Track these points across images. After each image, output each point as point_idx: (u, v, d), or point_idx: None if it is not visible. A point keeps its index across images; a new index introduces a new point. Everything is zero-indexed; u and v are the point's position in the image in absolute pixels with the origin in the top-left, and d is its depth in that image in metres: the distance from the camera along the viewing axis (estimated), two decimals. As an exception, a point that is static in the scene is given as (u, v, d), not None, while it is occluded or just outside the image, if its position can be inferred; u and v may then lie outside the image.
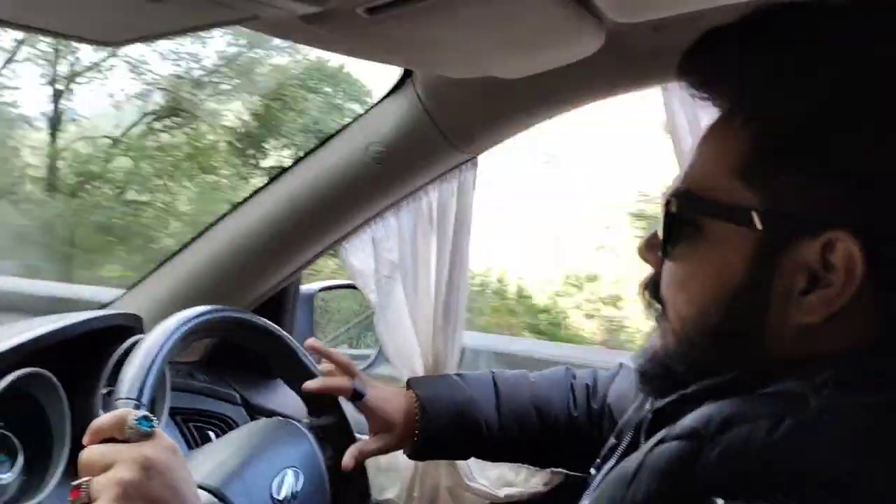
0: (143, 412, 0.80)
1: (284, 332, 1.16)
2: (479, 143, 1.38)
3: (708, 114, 0.75)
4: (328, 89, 9.73)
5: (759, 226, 0.64)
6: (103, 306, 1.54)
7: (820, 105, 0.63)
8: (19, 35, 8.20)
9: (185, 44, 9.27)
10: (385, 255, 1.48)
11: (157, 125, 9.69)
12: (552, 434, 1.21)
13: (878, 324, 0.63)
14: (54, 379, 1.09)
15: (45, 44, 8.77)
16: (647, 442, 0.65)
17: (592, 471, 0.90)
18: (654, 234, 0.75)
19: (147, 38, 0.66)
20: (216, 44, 9.40)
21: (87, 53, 9.38)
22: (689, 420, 0.61)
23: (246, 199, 1.47)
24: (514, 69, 1.14)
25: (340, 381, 1.19)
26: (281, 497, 1.06)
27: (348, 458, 1.17)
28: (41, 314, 1.18)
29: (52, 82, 9.48)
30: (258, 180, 9.00)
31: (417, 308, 1.49)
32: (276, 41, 8.41)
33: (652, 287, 0.77)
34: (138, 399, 0.83)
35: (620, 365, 1.24)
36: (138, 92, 9.66)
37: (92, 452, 0.79)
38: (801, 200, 0.63)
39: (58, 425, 1.12)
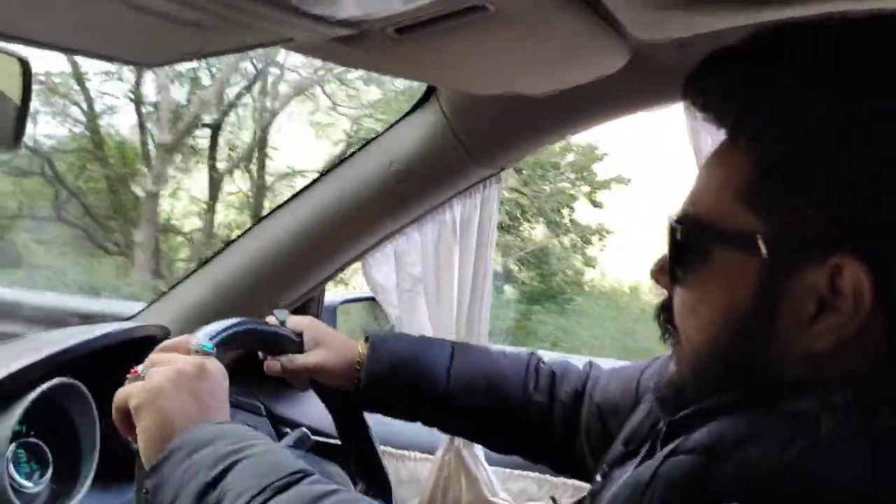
0: (203, 338, 0.92)
1: (261, 322, 1.14)
2: (503, 158, 1.39)
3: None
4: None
5: (764, 252, 0.64)
6: (130, 317, 1.56)
7: (822, 128, 0.63)
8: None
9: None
10: (407, 268, 1.50)
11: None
12: (504, 412, 1.17)
13: (890, 346, 0.63)
14: (84, 389, 1.11)
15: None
16: (661, 451, 0.65)
17: (598, 478, 0.90)
18: (665, 259, 0.75)
19: (182, 59, 0.68)
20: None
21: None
22: (702, 435, 0.62)
23: (271, 213, 1.49)
24: (538, 86, 1.15)
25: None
26: None
27: (272, 363, 1.15)
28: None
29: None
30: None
31: (440, 322, 1.50)
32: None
33: (665, 312, 0.77)
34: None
35: (590, 364, 1.21)
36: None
37: (160, 354, 0.90)
38: (806, 225, 0.63)
39: (87, 434, 1.14)
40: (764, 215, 0.64)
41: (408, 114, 1.37)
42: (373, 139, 1.42)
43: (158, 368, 0.85)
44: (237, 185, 10.07)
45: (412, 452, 1.61)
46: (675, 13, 0.91)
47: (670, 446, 0.63)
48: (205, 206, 9.87)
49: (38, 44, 0.58)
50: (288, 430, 1.45)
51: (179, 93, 9.47)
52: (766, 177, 0.65)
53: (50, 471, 1.10)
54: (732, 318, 0.67)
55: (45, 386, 1.04)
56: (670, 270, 0.72)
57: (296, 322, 1.19)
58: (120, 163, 9.64)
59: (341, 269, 1.53)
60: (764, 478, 0.57)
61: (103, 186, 9.67)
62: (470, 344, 1.28)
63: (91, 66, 8.95)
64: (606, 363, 1.22)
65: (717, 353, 0.69)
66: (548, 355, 1.26)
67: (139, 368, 0.87)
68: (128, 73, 8.92)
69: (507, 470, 1.57)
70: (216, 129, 9.60)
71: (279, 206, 1.49)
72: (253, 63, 9.09)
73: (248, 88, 9.69)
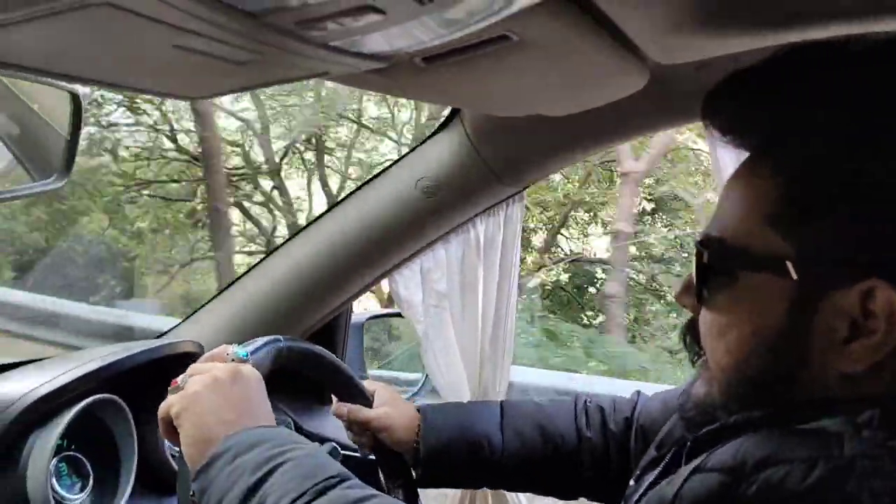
0: (240, 347, 0.98)
1: (348, 368, 1.22)
2: (525, 177, 1.42)
3: (744, 154, 0.75)
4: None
5: (794, 275, 0.64)
6: (163, 334, 1.60)
7: (849, 151, 0.63)
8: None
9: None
10: (433, 285, 1.52)
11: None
12: (561, 455, 1.19)
13: None
14: (123, 404, 1.15)
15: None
16: (686, 465, 0.65)
17: (632, 482, 0.90)
18: (690, 280, 0.76)
19: (227, 92, 0.72)
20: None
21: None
22: (726, 454, 0.62)
23: (300, 231, 1.53)
24: (560, 108, 1.18)
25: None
26: None
27: (340, 406, 1.22)
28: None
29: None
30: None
31: (465, 338, 1.53)
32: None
33: (691, 332, 0.77)
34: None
35: (637, 393, 1.24)
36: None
37: (199, 364, 0.96)
38: (836, 249, 0.63)
39: (125, 448, 1.17)
40: (793, 239, 0.65)
41: (433, 135, 1.40)
42: (399, 159, 1.45)
43: (196, 377, 0.90)
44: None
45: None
46: (692, 38, 0.94)
47: (694, 462, 0.63)
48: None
49: (90, 81, 0.62)
50: (318, 444, 1.47)
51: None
52: (794, 200, 0.65)
53: (90, 483, 1.14)
54: (762, 341, 0.68)
55: (85, 402, 1.08)
56: (697, 292, 0.73)
57: (371, 384, 1.27)
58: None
59: (369, 285, 1.57)
60: (786, 500, 0.57)
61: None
62: (516, 399, 1.30)
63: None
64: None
65: (748, 376, 0.69)
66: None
67: (179, 379, 0.92)
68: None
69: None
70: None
71: (308, 224, 1.52)
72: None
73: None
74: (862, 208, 0.63)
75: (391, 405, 1.23)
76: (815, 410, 0.63)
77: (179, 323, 1.62)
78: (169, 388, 0.92)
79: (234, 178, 8.85)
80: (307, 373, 1.18)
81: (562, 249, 9.42)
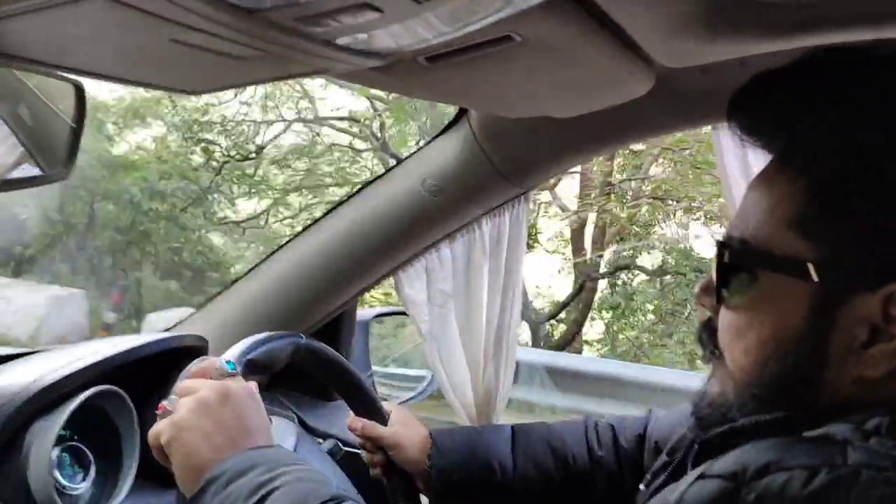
0: (228, 358, 0.95)
1: (367, 384, 1.23)
2: (532, 177, 1.42)
3: (757, 156, 0.76)
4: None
5: (815, 278, 0.64)
6: (170, 328, 1.61)
7: (874, 156, 0.63)
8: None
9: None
10: (438, 284, 1.53)
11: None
12: (573, 476, 1.19)
13: None
14: (125, 396, 1.16)
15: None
16: (692, 470, 0.64)
17: (642, 487, 0.90)
18: (710, 280, 0.75)
19: (226, 87, 0.73)
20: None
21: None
22: (730, 461, 0.61)
23: (306, 228, 1.54)
24: (566, 110, 1.18)
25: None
26: None
27: (355, 420, 1.22)
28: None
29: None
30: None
31: (469, 338, 1.53)
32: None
33: (708, 332, 0.77)
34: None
35: (650, 411, 1.24)
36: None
37: (186, 383, 0.92)
38: (859, 253, 0.63)
39: (128, 439, 1.18)
40: (816, 243, 0.65)
41: (439, 134, 1.41)
42: (405, 158, 1.45)
43: (183, 400, 0.88)
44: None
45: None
46: (697, 41, 0.94)
47: (700, 468, 0.63)
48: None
49: (89, 74, 0.63)
50: (320, 440, 1.48)
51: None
52: (818, 204, 0.65)
53: (92, 473, 1.15)
54: (781, 343, 0.67)
55: (87, 393, 1.08)
56: (717, 292, 0.73)
57: (388, 405, 1.28)
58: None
59: (374, 284, 1.57)
60: None
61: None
62: (526, 423, 1.30)
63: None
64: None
65: (765, 377, 0.69)
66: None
67: (166, 403, 0.90)
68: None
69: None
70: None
71: (316, 221, 1.53)
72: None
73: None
74: (886, 213, 0.63)
75: (404, 425, 1.24)
76: (827, 415, 0.63)
77: (186, 318, 1.63)
78: (157, 413, 0.90)
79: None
80: (324, 379, 1.19)
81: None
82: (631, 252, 8.99)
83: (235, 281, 1.59)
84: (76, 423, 1.11)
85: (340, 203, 1.51)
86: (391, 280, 1.55)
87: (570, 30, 0.84)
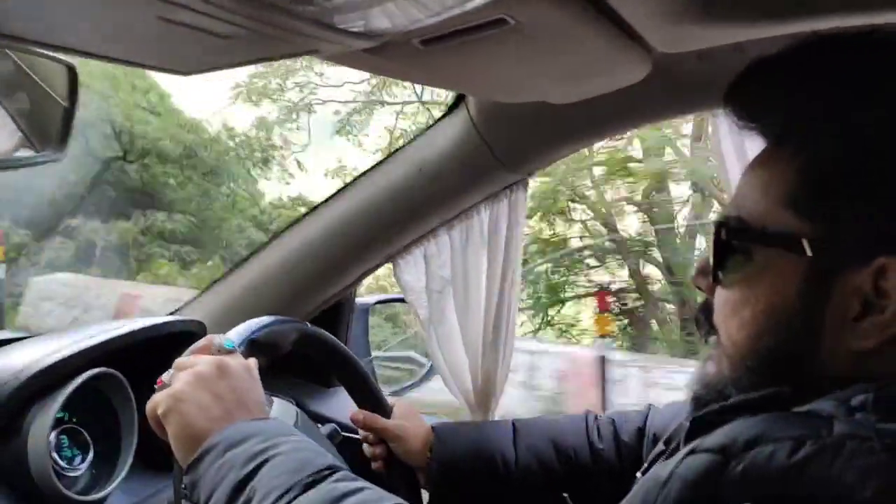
0: (227, 336, 0.96)
1: (371, 377, 1.24)
2: (530, 164, 1.42)
3: (753, 141, 0.77)
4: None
5: (809, 253, 0.66)
6: (172, 313, 1.62)
7: (868, 136, 0.65)
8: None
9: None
10: (437, 271, 1.53)
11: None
12: (575, 469, 1.20)
13: None
14: (123, 379, 1.17)
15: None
16: (683, 447, 0.65)
17: (638, 475, 0.90)
18: (706, 261, 0.77)
19: (217, 68, 0.73)
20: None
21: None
22: (719, 435, 0.62)
23: (305, 215, 1.54)
24: (564, 95, 1.18)
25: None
26: None
27: (357, 413, 1.23)
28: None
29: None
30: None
31: (468, 324, 1.53)
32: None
33: (705, 313, 0.78)
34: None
35: (650, 406, 1.24)
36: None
37: (183, 358, 0.94)
38: (851, 229, 0.65)
39: (126, 422, 1.19)
40: (810, 220, 0.67)
41: (438, 120, 1.41)
42: (404, 145, 1.46)
43: (181, 374, 0.89)
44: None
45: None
46: (693, 26, 0.94)
47: (690, 445, 0.64)
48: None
49: (78, 52, 0.63)
50: (319, 425, 1.48)
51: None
52: (811, 183, 0.67)
53: (91, 456, 1.16)
54: (776, 317, 0.69)
55: (85, 375, 1.09)
56: (714, 272, 0.74)
57: (392, 399, 1.29)
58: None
59: (372, 270, 1.57)
60: (772, 479, 0.57)
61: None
62: (527, 417, 1.31)
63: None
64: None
65: (761, 351, 0.70)
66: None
67: (164, 377, 0.92)
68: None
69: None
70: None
71: (314, 208, 1.53)
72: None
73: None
74: (878, 190, 0.64)
75: (407, 419, 1.25)
76: (817, 390, 0.64)
77: (189, 301, 1.64)
78: (155, 387, 0.91)
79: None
80: (327, 368, 1.19)
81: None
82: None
83: (235, 267, 1.59)
84: (75, 406, 1.12)
85: (340, 189, 1.51)
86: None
87: (565, 13, 0.84)
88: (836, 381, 0.65)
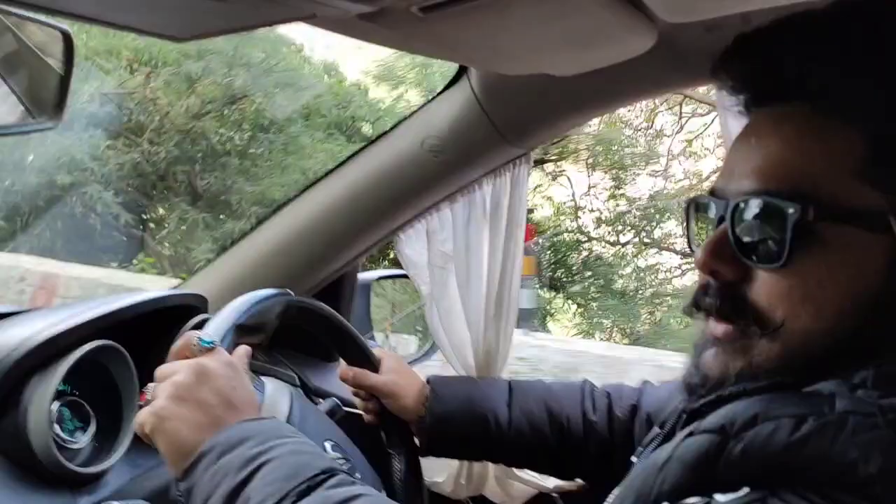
0: (205, 332, 0.92)
1: (357, 333, 1.24)
2: (533, 138, 1.41)
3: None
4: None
5: (895, 228, 0.62)
6: (175, 287, 1.62)
7: None
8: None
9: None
10: (439, 246, 1.52)
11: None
12: (566, 437, 1.20)
13: None
14: (124, 351, 1.16)
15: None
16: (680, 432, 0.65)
17: (634, 458, 0.90)
18: (723, 242, 0.70)
19: (211, 34, 0.72)
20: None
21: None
22: (718, 416, 0.61)
23: (306, 189, 1.53)
24: (567, 67, 1.17)
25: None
26: (334, 456, 1.10)
27: (346, 370, 1.23)
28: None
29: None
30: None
31: (469, 300, 1.52)
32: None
33: (736, 300, 0.70)
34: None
35: (645, 382, 1.24)
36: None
37: (163, 366, 0.91)
38: None
39: (127, 395, 1.19)
40: (888, 192, 0.63)
41: (440, 93, 1.39)
42: (405, 118, 1.44)
43: (161, 386, 0.87)
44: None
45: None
46: (700, -5, 0.92)
47: (688, 429, 0.63)
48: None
49: (73, 17, 0.62)
50: (321, 399, 1.49)
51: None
52: (886, 152, 0.63)
53: (92, 428, 1.16)
54: (861, 301, 0.65)
55: (86, 347, 1.09)
56: (765, 254, 0.67)
57: (380, 351, 1.29)
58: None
59: (374, 245, 1.57)
60: (772, 457, 0.56)
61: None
62: (524, 380, 1.32)
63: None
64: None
65: (837, 339, 0.66)
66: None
67: (148, 389, 0.89)
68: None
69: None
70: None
71: (315, 182, 1.52)
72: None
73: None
74: None
75: (398, 373, 1.25)
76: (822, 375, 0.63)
77: (191, 276, 1.64)
78: (140, 403, 0.89)
79: None
80: (315, 332, 1.19)
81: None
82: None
83: (235, 241, 1.58)
84: (76, 379, 1.12)
85: (341, 163, 1.50)
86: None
87: (567, -21, 0.83)
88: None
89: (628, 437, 1.19)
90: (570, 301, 10.78)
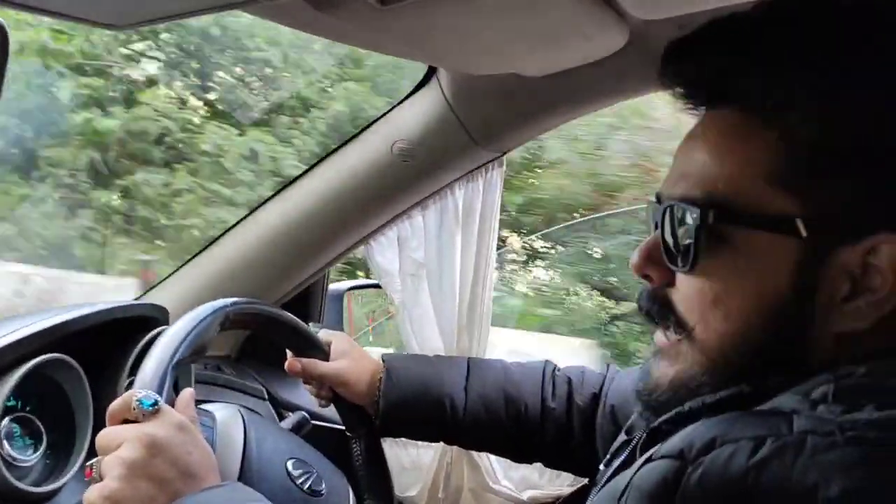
0: (146, 392, 0.83)
1: (299, 321, 1.17)
2: (505, 141, 1.38)
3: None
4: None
5: (804, 234, 0.62)
6: (136, 298, 1.57)
7: (862, 108, 0.61)
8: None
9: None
10: (410, 253, 1.49)
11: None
12: (522, 423, 1.18)
13: None
14: (76, 365, 1.12)
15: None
16: (641, 455, 0.63)
17: (602, 467, 0.88)
18: (653, 247, 0.71)
19: (152, 21, 0.68)
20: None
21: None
22: (676, 440, 0.60)
23: (272, 196, 1.49)
24: (537, 66, 1.14)
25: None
26: (297, 474, 1.05)
27: (293, 361, 1.18)
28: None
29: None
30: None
31: (442, 307, 1.49)
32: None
33: (661, 303, 0.72)
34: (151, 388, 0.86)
35: (608, 366, 1.22)
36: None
37: (104, 434, 0.82)
38: (844, 206, 0.61)
39: (80, 411, 1.14)
40: (802, 198, 0.63)
41: (409, 95, 1.36)
42: (374, 121, 1.40)
43: (108, 463, 0.79)
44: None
45: (415, 439, 1.60)
46: (668, -11, 0.90)
47: (648, 453, 0.61)
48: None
49: (7, 4, 0.58)
50: (289, 413, 1.44)
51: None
52: (802, 158, 0.63)
53: (44, 445, 1.11)
54: (768, 303, 0.65)
55: (35, 361, 1.04)
56: (685, 258, 0.68)
57: (326, 334, 1.23)
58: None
59: (344, 253, 1.53)
60: (731, 483, 0.54)
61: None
62: (485, 359, 1.29)
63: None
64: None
65: (750, 342, 0.66)
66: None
67: (93, 465, 0.81)
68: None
69: (510, 457, 1.56)
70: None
71: (282, 188, 1.48)
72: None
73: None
74: (873, 166, 0.61)
75: (350, 357, 1.20)
76: (779, 387, 0.62)
77: (153, 286, 1.59)
78: (85, 479, 0.81)
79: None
80: (257, 332, 1.14)
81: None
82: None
83: (200, 251, 1.54)
84: (26, 394, 1.08)
85: (308, 169, 1.46)
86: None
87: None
88: (823, 366, 0.62)
89: (588, 425, 1.17)
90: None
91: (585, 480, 1.44)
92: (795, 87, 0.63)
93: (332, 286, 1.75)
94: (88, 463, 0.81)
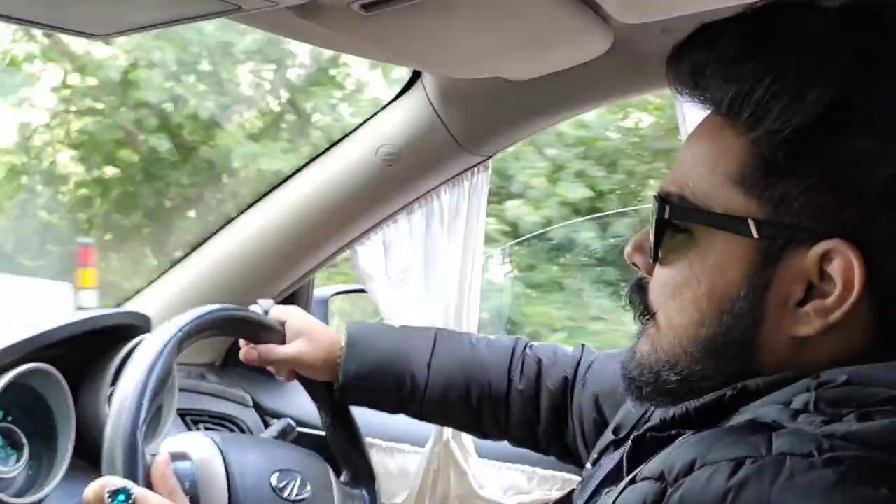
0: (120, 482, 0.79)
1: (246, 309, 1.13)
2: (490, 145, 1.37)
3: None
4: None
5: (756, 235, 0.63)
6: (118, 305, 1.55)
7: (821, 113, 0.61)
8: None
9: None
10: (396, 258, 1.48)
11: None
12: (485, 403, 1.15)
13: (875, 336, 0.62)
14: (58, 375, 1.10)
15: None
16: (627, 475, 0.63)
17: (588, 466, 0.89)
18: (645, 237, 0.73)
19: (132, 30, 0.67)
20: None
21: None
22: (657, 462, 0.60)
23: (256, 202, 1.48)
24: (521, 70, 1.14)
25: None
26: (281, 486, 1.04)
27: (249, 350, 1.14)
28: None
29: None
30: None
31: (428, 313, 1.48)
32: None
33: (639, 291, 0.75)
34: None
35: (582, 346, 1.19)
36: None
37: None
38: (799, 210, 0.62)
39: (62, 421, 1.13)
40: (758, 199, 0.64)
41: (394, 99, 1.35)
42: (358, 126, 1.40)
43: None
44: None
45: (401, 445, 1.59)
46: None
47: (633, 474, 0.61)
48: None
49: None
50: (274, 420, 1.43)
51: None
52: (763, 161, 0.63)
53: (26, 455, 1.09)
54: (719, 300, 0.66)
55: (15, 371, 1.03)
56: (653, 249, 0.70)
57: (280, 312, 1.18)
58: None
59: (329, 258, 1.52)
60: (710, 503, 0.54)
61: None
62: (454, 332, 1.26)
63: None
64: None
65: (700, 336, 0.67)
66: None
67: None
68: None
69: (497, 463, 1.55)
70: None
71: (266, 194, 1.47)
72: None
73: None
74: (831, 174, 0.61)
75: (307, 335, 1.15)
76: (760, 392, 0.62)
77: (136, 293, 1.58)
78: None
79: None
80: (210, 335, 1.09)
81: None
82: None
83: (183, 257, 1.53)
84: (7, 404, 1.06)
85: (292, 174, 1.45)
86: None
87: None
88: (778, 368, 0.63)
89: (556, 410, 1.14)
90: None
91: (574, 485, 1.44)
92: (768, 95, 0.63)
93: (317, 291, 1.73)
94: None
